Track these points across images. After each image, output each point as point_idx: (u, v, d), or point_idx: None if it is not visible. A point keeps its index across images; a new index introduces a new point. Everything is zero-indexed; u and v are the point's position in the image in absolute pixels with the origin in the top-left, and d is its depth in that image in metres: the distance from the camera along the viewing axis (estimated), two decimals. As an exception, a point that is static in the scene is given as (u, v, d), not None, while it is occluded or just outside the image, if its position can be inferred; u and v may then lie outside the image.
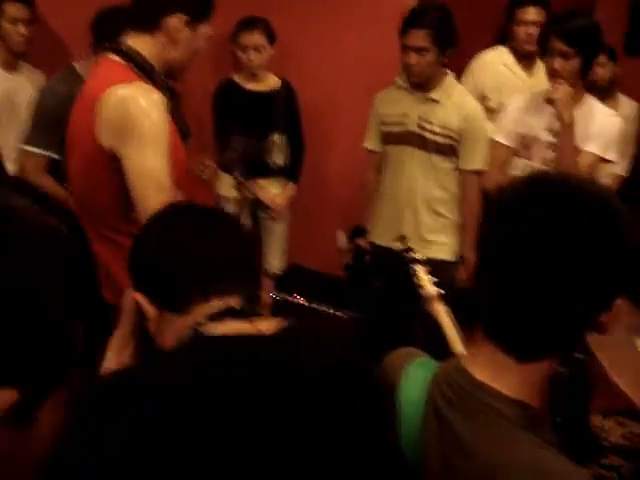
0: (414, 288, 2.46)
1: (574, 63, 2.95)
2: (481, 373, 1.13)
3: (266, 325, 1.22)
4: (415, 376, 1.25)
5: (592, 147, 3.01)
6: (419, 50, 3.13)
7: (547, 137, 3.08)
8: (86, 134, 2.02)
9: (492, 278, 1.12)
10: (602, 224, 1.07)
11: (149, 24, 2.09)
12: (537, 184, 1.13)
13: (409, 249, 2.49)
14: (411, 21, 3.15)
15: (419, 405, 1.19)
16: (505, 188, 1.18)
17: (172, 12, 2.09)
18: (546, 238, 1.05)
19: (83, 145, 2.06)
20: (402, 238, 3.03)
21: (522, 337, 1.10)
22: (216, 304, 1.25)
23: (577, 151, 2.99)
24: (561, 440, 1.15)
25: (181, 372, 1.07)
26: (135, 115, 1.97)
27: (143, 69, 2.08)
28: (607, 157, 3.03)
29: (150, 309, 1.32)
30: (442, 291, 2.40)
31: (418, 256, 2.47)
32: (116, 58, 2.09)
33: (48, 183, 2.98)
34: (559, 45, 2.93)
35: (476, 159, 3.27)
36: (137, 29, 2.11)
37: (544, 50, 3.02)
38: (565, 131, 2.98)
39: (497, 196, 1.17)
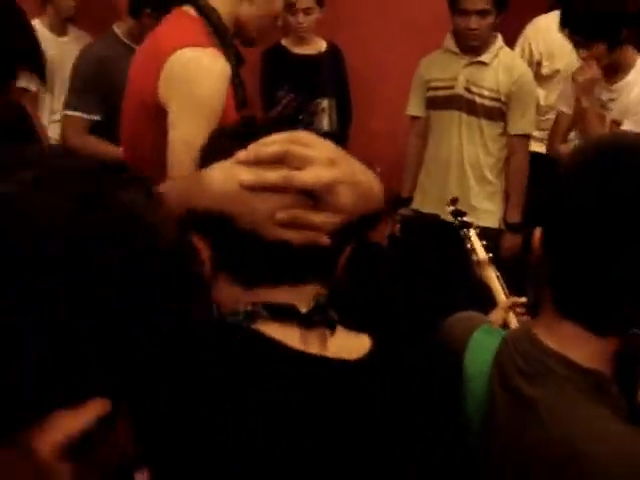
0: (465, 252, 2.42)
1: (599, 48, 2.84)
2: (554, 343, 1.10)
3: (339, 346, 1.03)
4: (482, 343, 1.21)
5: (627, 124, 2.89)
6: (481, 13, 3.07)
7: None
8: (148, 84, 1.99)
9: (571, 253, 1.06)
10: None
11: None
12: (614, 152, 1.07)
13: (461, 212, 2.44)
14: None
15: (487, 373, 1.16)
16: (575, 156, 1.14)
17: None
18: (627, 209, 1.00)
19: (142, 93, 2.03)
20: (454, 201, 2.98)
21: (598, 313, 1.07)
22: (283, 294, 1.03)
23: (617, 126, 2.90)
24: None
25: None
26: (195, 82, 1.93)
27: (217, 29, 2.02)
28: None
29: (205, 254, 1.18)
30: (491, 255, 2.36)
31: (470, 219, 2.42)
32: (192, 12, 2.03)
33: (91, 142, 3.02)
34: (577, 37, 2.86)
35: (525, 123, 3.22)
36: None
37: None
38: (583, 116, 2.92)
39: (569, 164, 1.11)
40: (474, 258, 2.33)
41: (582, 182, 1.05)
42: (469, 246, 2.34)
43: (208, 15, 2.01)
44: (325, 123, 3.76)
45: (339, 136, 3.81)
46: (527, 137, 3.24)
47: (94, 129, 3.05)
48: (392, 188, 3.58)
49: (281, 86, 3.59)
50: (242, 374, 0.97)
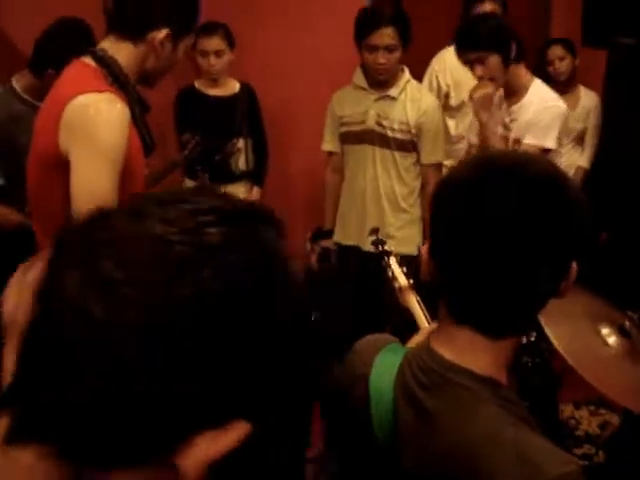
0: (386, 281, 2.46)
1: (493, 61, 2.97)
2: (450, 354, 1.14)
3: None
4: (386, 362, 1.24)
5: (528, 138, 3.03)
6: (388, 48, 3.15)
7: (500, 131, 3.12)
8: (49, 136, 1.98)
9: (452, 261, 1.12)
10: (550, 197, 1.08)
11: (134, 33, 2.04)
12: (484, 165, 1.15)
13: (382, 241, 2.49)
14: (376, 20, 3.17)
15: (391, 391, 1.19)
16: (453, 172, 1.21)
17: (159, 26, 2.04)
18: (501, 216, 1.06)
19: (44, 146, 2.02)
20: (374, 231, 3.04)
21: (489, 315, 1.11)
22: None
23: (518, 144, 3.02)
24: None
25: None
26: (94, 126, 1.93)
27: (117, 78, 2.03)
28: (546, 146, 3.01)
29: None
30: (412, 282, 2.40)
31: (390, 248, 2.47)
32: (91, 62, 2.04)
33: None
34: (470, 55, 2.98)
35: (436, 152, 3.31)
36: (119, 36, 2.05)
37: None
38: (481, 130, 3.05)
39: (446, 180, 1.18)
40: (396, 285, 2.37)
41: (452, 195, 1.12)
42: (390, 274, 2.39)
43: (108, 64, 2.03)
44: (241, 163, 3.79)
45: (256, 175, 3.84)
46: (439, 166, 3.33)
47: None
48: (313, 225, 3.64)
49: (196, 128, 3.61)
50: None
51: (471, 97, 3.06)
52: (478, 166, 1.15)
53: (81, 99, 1.93)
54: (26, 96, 2.97)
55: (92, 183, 1.91)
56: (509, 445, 1.05)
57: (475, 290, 1.10)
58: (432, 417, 1.12)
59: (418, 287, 2.43)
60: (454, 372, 1.13)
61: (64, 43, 2.74)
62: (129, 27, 2.05)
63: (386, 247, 2.50)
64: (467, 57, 3.01)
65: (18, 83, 3.03)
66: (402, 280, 2.42)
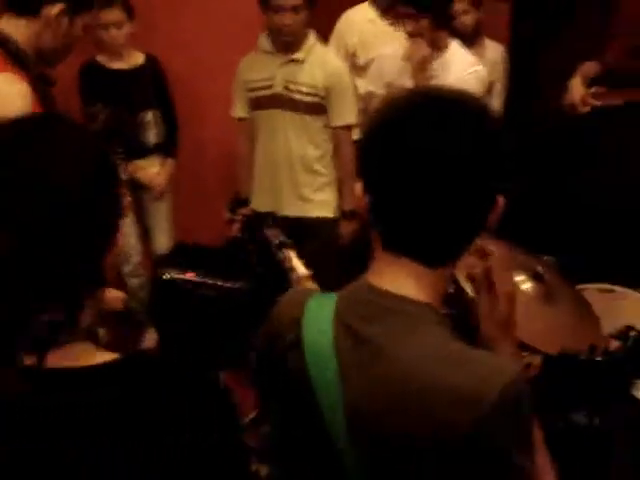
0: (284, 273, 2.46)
1: (424, 23, 3.00)
2: (389, 285, 1.17)
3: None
4: (318, 305, 1.25)
5: None
6: (294, 9, 3.12)
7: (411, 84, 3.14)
8: None
9: (386, 192, 1.15)
10: (472, 128, 1.14)
11: (28, 10, 2.01)
12: (409, 100, 1.21)
13: (278, 232, 2.49)
14: None
15: (329, 329, 1.19)
16: (382, 107, 1.23)
17: (53, 1, 2.01)
18: (425, 147, 1.11)
19: None
20: (271, 219, 3.08)
21: (424, 243, 1.16)
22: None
23: None
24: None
25: None
26: None
27: (15, 55, 2.00)
28: None
29: None
30: (311, 272, 2.41)
31: (284, 240, 2.48)
32: None
33: None
34: (406, 9, 2.99)
35: (346, 114, 3.31)
36: (13, 13, 2.02)
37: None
38: None
39: (375, 116, 1.21)
40: (294, 276, 2.38)
41: (381, 129, 1.18)
42: (289, 265, 2.39)
43: (3, 43, 2.00)
44: (151, 135, 3.72)
45: (168, 147, 3.78)
46: (349, 127, 3.34)
47: None
48: (230, 194, 3.61)
49: (101, 104, 3.52)
50: None
51: (410, 58, 3.06)
52: (403, 101, 1.20)
53: None
54: None
55: None
56: (455, 358, 1.09)
57: (408, 220, 1.14)
58: (375, 345, 1.14)
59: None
60: (394, 301, 1.16)
61: None
62: (22, 4, 2.03)
63: (281, 239, 2.50)
64: (398, 11, 3.01)
65: None
66: (301, 270, 2.43)
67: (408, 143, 1.12)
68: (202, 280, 3.47)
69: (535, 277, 2.11)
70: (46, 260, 0.97)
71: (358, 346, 1.16)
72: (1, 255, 0.95)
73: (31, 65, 2.04)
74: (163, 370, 1.05)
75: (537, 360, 3.17)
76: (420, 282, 1.16)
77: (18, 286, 0.96)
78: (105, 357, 1.03)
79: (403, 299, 1.16)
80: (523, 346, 3.49)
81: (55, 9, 2.01)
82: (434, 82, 3.10)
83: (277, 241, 2.45)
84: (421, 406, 1.08)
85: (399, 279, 1.17)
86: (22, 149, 1.00)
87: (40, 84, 2.06)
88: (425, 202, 1.12)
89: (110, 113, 3.28)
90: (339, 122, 3.32)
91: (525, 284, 2.09)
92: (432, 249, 1.16)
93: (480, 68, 3.17)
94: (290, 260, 2.39)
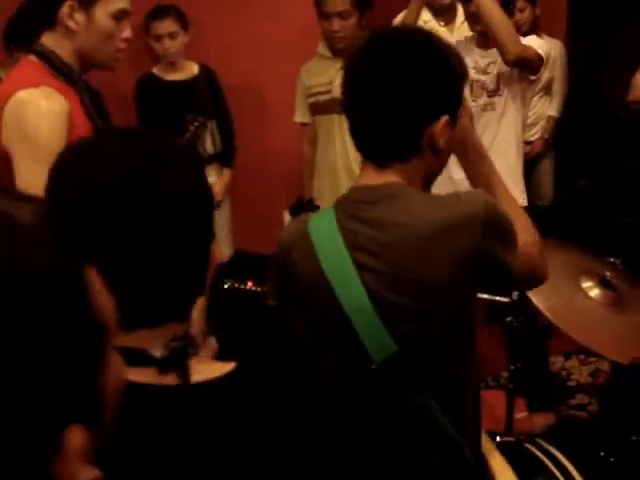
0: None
1: None
2: (373, 182, 1.44)
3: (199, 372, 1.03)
4: (320, 216, 1.51)
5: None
6: (342, 15, 3.10)
7: (475, 75, 3.07)
8: None
9: (359, 112, 1.51)
10: (422, 49, 1.45)
11: (48, 20, 2.05)
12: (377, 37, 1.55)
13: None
14: None
15: (335, 230, 1.42)
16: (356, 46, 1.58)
17: (61, 2, 2.01)
18: (386, 65, 1.45)
19: None
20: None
21: (379, 143, 1.46)
22: (140, 339, 1.02)
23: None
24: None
25: None
26: (31, 125, 1.96)
27: (60, 69, 2.04)
28: None
29: None
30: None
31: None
32: (34, 59, 2.06)
33: None
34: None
35: None
36: (47, 28, 2.07)
37: None
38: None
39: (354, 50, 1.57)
40: None
41: (358, 54, 1.57)
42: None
43: (48, 58, 2.04)
44: (209, 145, 3.73)
45: (225, 157, 3.78)
46: None
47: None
48: (291, 201, 3.60)
49: (158, 116, 3.55)
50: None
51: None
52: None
53: (18, 95, 1.96)
54: None
55: (32, 182, 1.88)
56: (440, 203, 1.42)
57: (374, 129, 1.46)
58: (375, 220, 1.40)
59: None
60: (380, 188, 1.42)
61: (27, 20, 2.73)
62: (41, 15, 2.07)
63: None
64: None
65: None
66: None
67: (373, 62, 1.47)
68: (263, 289, 3.46)
69: (604, 283, 2.04)
70: (167, 271, 0.99)
71: (362, 226, 1.40)
72: (128, 268, 0.97)
73: (76, 77, 2.08)
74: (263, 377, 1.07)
75: (605, 366, 3.08)
76: (398, 174, 1.43)
77: (145, 298, 0.99)
78: (226, 367, 1.04)
79: (386, 185, 1.42)
80: (591, 352, 3.41)
81: (64, 9, 2.01)
82: (491, 68, 3.06)
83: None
84: (433, 247, 1.36)
85: (381, 176, 1.44)
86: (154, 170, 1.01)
87: (86, 96, 2.10)
88: (384, 105, 1.43)
89: (202, 122, 3.30)
90: None
91: (593, 291, 2.03)
92: (396, 145, 1.44)
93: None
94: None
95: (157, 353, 1.00)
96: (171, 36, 3.56)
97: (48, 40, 2.06)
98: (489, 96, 3.06)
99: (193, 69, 3.73)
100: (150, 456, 0.97)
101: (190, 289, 1.05)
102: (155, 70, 3.70)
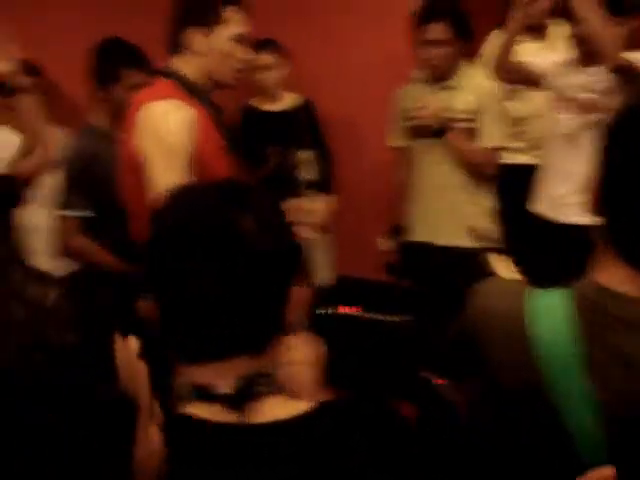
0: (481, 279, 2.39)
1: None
2: (621, 287, 1.17)
3: (269, 412, 1.02)
4: (549, 301, 1.23)
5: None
6: (440, 43, 3.12)
7: (582, 94, 3.03)
8: (129, 141, 2.22)
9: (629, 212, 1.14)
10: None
11: (175, 45, 2.28)
12: None
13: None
14: (428, 14, 3.15)
15: (566, 333, 1.18)
16: None
17: (183, 28, 2.26)
18: None
19: (127, 152, 2.25)
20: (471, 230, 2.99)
21: None
22: (208, 372, 1.02)
23: None
24: None
25: None
26: (161, 129, 2.14)
27: (187, 86, 2.25)
28: None
29: None
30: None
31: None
32: (163, 79, 2.28)
33: (85, 244, 3.05)
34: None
35: (495, 135, 3.23)
36: (172, 53, 2.30)
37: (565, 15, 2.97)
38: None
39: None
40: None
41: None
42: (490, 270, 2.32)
43: (176, 77, 2.25)
44: (307, 174, 3.77)
45: (324, 184, 3.81)
46: (495, 149, 3.28)
47: (89, 225, 3.05)
48: (387, 226, 3.61)
49: (258, 147, 3.63)
50: (173, 455, 0.97)
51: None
52: None
53: (150, 105, 2.17)
54: (104, 129, 3.06)
55: (164, 183, 2.02)
56: None
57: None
58: (631, 356, 1.14)
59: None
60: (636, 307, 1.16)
61: (117, 58, 3.02)
62: (170, 41, 2.30)
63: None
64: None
65: (93, 120, 3.14)
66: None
67: None
68: (364, 314, 3.47)
69: None
70: (246, 307, 1.00)
71: (611, 355, 1.16)
72: (206, 303, 0.99)
73: (202, 95, 2.28)
74: (353, 414, 1.05)
75: None
76: None
77: (220, 330, 1.00)
78: (300, 407, 1.03)
79: None
80: None
81: (187, 35, 2.25)
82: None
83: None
84: None
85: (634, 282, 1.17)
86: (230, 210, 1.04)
87: (212, 111, 2.30)
88: None
89: (285, 154, 3.38)
90: (489, 143, 3.25)
91: None
92: None
93: None
94: (496, 266, 2.34)
95: (222, 389, 1.00)
96: (270, 68, 3.64)
97: (175, 63, 2.28)
98: (595, 113, 2.99)
99: (292, 100, 3.79)
100: None
101: (265, 325, 1.04)
102: (253, 101, 3.79)
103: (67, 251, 3.15)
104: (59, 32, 4.02)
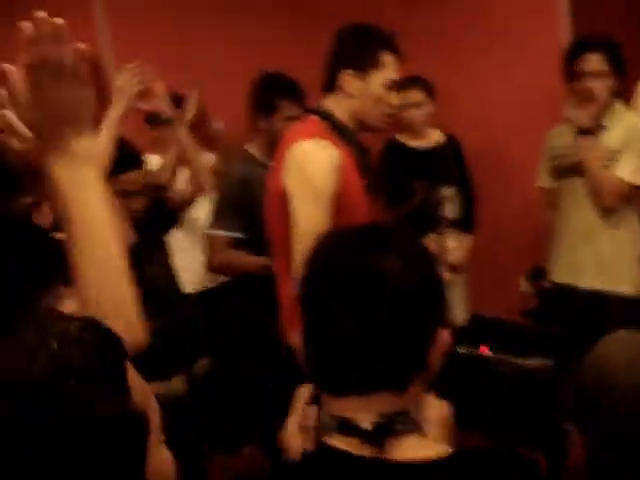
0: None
1: None
2: None
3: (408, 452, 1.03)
4: None
5: None
6: (595, 74, 3.05)
7: None
8: (277, 175, 2.31)
9: None
10: None
11: (329, 85, 2.37)
12: None
13: None
14: (584, 45, 3.11)
15: None
16: None
17: (339, 70, 2.33)
18: None
19: (275, 185, 2.33)
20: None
21: None
22: (350, 405, 1.05)
23: None
24: None
25: None
26: (308, 172, 2.22)
27: (337, 127, 2.33)
28: None
29: None
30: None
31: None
32: (315, 117, 2.36)
33: (234, 255, 3.16)
34: None
35: (631, 170, 3.12)
36: (327, 93, 2.38)
37: None
38: None
39: None
40: None
41: None
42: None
43: (327, 117, 2.33)
44: (450, 211, 3.77)
45: (466, 222, 3.81)
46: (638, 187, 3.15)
47: (237, 246, 3.17)
48: (527, 267, 3.55)
49: (403, 178, 3.67)
50: None
51: None
52: None
53: (299, 145, 2.25)
54: (261, 159, 3.20)
55: (308, 226, 2.10)
56: None
57: None
58: None
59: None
60: None
61: (276, 90, 3.17)
62: (325, 81, 2.39)
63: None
64: None
65: (252, 149, 3.29)
66: None
67: None
68: (498, 356, 3.41)
69: None
70: (389, 346, 1.02)
71: None
72: (348, 344, 1.03)
73: (349, 135, 2.35)
74: (489, 463, 1.05)
75: None
76: None
77: (362, 369, 1.03)
78: (438, 450, 1.04)
79: None
80: None
81: (343, 76, 2.31)
82: None
83: None
84: None
85: None
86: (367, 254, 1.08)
87: (358, 152, 2.36)
88: None
89: (428, 189, 3.41)
90: (621, 174, 3.12)
91: None
92: None
93: None
94: None
95: (364, 424, 1.02)
96: (417, 105, 3.69)
97: (329, 102, 2.36)
98: None
99: (437, 136, 3.82)
100: None
101: (407, 364, 1.06)
102: (398, 136, 3.84)
103: (213, 266, 3.29)
104: (221, 66, 4.22)
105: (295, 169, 2.24)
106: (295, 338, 1.98)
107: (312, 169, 2.22)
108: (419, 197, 3.59)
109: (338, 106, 2.34)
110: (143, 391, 0.92)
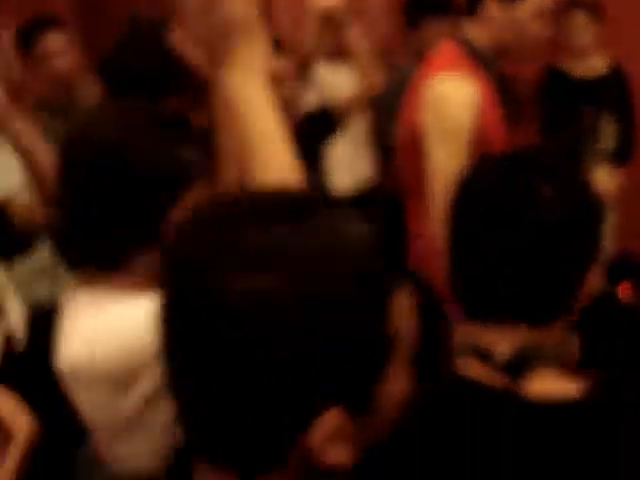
0: None
1: None
2: None
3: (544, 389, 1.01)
4: None
5: None
6: None
7: None
8: (412, 110, 2.24)
9: None
10: None
11: (472, 9, 2.24)
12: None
13: None
14: None
15: None
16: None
17: None
18: None
19: (409, 119, 2.26)
20: None
21: None
22: (489, 333, 1.05)
23: None
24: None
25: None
26: (442, 110, 2.13)
27: (477, 55, 2.21)
28: None
29: None
30: None
31: None
32: (453, 44, 2.25)
33: None
34: None
35: None
36: (468, 14, 2.27)
37: None
38: None
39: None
40: None
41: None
42: None
43: (466, 43, 2.22)
44: (604, 140, 3.63)
45: (621, 154, 3.66)
46: None
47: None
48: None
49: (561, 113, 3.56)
50: (440, 408, 1.02)
51: None
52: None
53: (437, 80, 2.15)
54: (408, 68, 3.15)
55: (443, 166, 2.05)
56: None
57: None
58: None
59: None
60: None
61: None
62: (468, 5, 2.26)
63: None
64: None
65: (400, 60, 3.40)
66: None
67: None
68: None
69: None
70: (533, 276, 1.02)
71: None
72: (495, 269, 1.03)
73: (490, 64, 2.23)
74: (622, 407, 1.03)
75: None
76: None
77: (504, 294, 1.03)
78: (572, 388, 1.02)
79: None
80: None
81: (487, 2, 2.18)
82: None
83: None
84: None
85: None
86: None
87: (498, 82, 2.25)
88: None
89: (595, 114, 3.31)
90: None
91: None
92: None
93: None
94: None
95: (499, 354, 1.02)
96: (580, 29, 3.53)
97: (468, 28, 2.24)
98: None
99: (600, 64, 3.66)
100: (447, 447, 1.00)
101: (550, 299, 1.04)
102: (562, 63, 3.69)
103: None
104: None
105: (431, 108, 2.15)
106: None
107: (448, 110, 2.13)
108: (586, 122, 3.47)
109: (481, 32, 2.23)
110: None
